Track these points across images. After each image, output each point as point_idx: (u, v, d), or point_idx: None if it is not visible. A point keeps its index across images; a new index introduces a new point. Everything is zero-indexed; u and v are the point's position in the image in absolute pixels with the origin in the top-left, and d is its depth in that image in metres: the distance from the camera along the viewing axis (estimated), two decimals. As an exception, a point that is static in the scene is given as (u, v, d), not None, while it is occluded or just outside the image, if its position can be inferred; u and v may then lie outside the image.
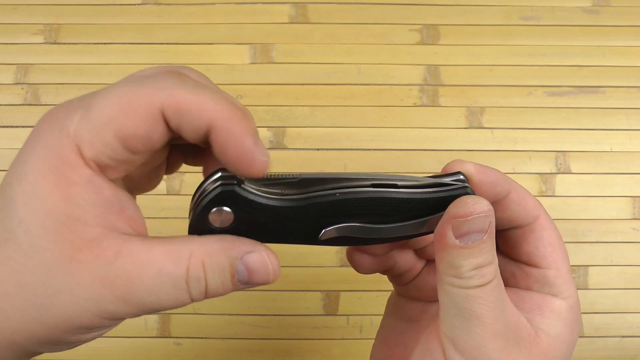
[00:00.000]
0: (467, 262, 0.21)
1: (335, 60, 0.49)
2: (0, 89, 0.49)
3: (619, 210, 0.47)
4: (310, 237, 0.22)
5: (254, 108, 0.48)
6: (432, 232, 0.23)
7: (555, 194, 0.47)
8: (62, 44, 0.50)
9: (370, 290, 0.45)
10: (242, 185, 0.20)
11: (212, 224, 0.21)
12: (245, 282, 0.21)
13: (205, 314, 0.45)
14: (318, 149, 0.48)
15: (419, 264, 0.27)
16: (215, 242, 0.20)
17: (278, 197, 0.21)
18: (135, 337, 0.45)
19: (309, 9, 0.51)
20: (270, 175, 0.21)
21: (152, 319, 0.45)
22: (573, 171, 0.48)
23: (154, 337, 0.45)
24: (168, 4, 0.50)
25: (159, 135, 0.19)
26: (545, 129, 0.48)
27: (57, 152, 0.19)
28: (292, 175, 0.21)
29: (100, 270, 0.19)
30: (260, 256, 0.21)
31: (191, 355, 0.45)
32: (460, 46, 0.50)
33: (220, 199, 0.20)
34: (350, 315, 0.45)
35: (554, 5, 0.51)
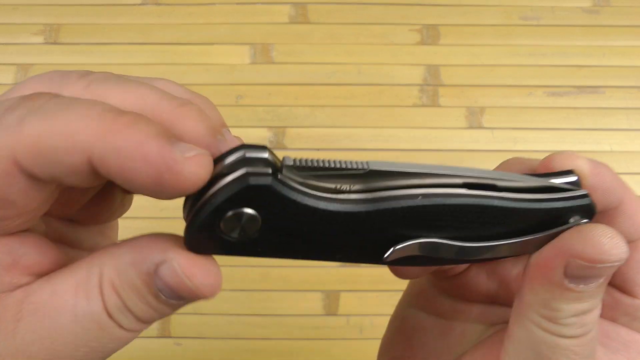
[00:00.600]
0: (570, 307, 0.17)
1: (335, 60, 0.49)
2: (0, 89, 0.49)
3: (619, 210, 0.47)
4: (372, 255, 0.16)
5: (254, 108, 0.48)
6: (529, 252, 0.17)
7: (555, 194, 0.47)
8: (62, 44, 0.50)
9: (370, 290, 0.45)
10: (280, 177, 0.14)
11: (225, 234, 0.14)
12: (178, 299, 0.15)
13: (205, 314, 0.45)
14: (318, 149, 0.48)
15: None
16: (124, 253, 0.15)
17: (333, 195, 0.14)
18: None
19: (309, 9, 0.51)
20: (321, 161, 0.15)
21: (152, 319, 0.45)
22: (573, 171, 0.48)
23: (154, 337, 0.45)
24: (168, 4, 0.50)
25: (20, 193, 0.14)
26: (545, 129, 0.48)
27: None
28: (357, 164, 0.15)
29: (7, 347, 0.14)
30: (171, 269, 0.14)
31: (191, 355, 0.45)
32: (460, 46, 0.50)
33: (243, 197, 0.13)
34: (350, 315, 0.45)
35: (554, 5, 0.51)
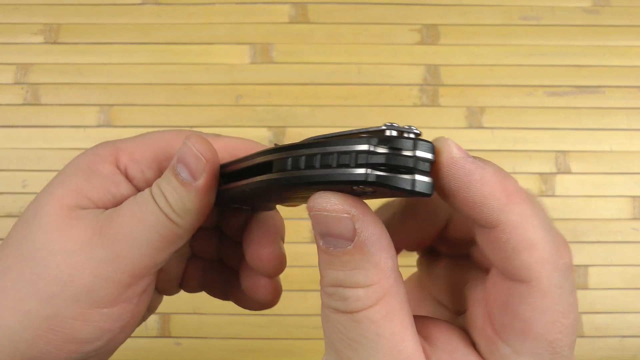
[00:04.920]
0: (328, 273, 0.16)
1: (335, 60, 0.49)
2: (0, 89, 0.49)
3: (619, 210, 0.47)
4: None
5: (253, 108, 0.48)
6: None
7: (555, 194, 0.47)
8: (62, 44, 0.50)
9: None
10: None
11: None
12: (188, 174, 0.20)
13: (205, 314, 0.45)
14: (318, 149, 0.48)
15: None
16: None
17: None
18: (135, 337, 0.45)
19: (309, 9, 0.51)
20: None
21: (152, 319, 0.45)
22: (573, 171, 0.48)
23: (154, 337, 0.45)
24: (168, 4, 0.50)
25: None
26: (545, 129, 0.48)
27: (94, 151, 0.22)
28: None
29: (92, 219, 0.20)
30: (185, 146, 0.20)
31: (191, 355, 0.45)
32: (460, 46, 0.50)
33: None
34: (350, 315, 0.45)
35: (554, 5, 0.51)
